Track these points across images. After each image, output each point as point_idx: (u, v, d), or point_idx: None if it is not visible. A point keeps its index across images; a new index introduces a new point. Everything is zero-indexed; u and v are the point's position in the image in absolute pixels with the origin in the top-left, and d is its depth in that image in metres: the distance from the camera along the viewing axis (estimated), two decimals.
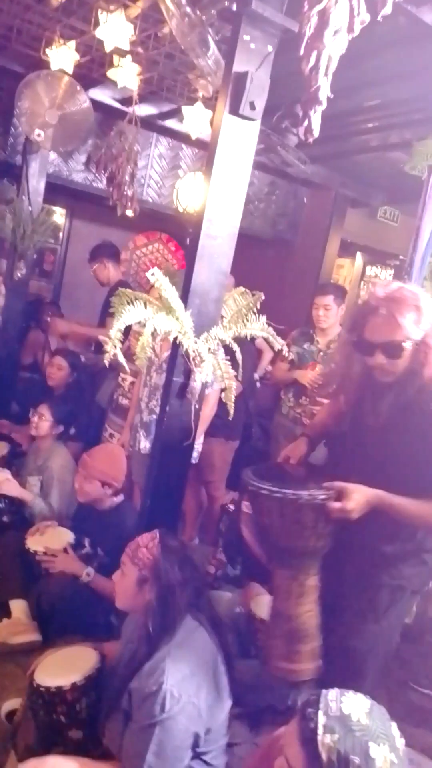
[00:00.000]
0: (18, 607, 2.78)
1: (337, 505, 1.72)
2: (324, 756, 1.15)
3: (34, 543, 2.82)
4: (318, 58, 1.57)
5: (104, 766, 1.78)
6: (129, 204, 4.05)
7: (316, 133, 1.70)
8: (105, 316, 4.38)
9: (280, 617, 1.88)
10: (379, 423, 1.88)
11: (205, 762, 1.79)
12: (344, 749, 1.14)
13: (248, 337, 2.56)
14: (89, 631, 2.53)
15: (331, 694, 1.25)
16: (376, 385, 1.89)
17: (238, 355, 2.46)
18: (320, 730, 1.17)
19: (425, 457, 1.76)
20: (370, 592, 1.89)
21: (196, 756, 1.76)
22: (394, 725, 1.22)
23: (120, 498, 2.92)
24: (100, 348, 4.39)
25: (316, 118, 1.64)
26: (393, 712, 1.30)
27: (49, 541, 2.83)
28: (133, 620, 2.05)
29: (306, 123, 1.62)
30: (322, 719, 1.19)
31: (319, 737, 1.17)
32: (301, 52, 1.54)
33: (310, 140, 1.71)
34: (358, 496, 1.73)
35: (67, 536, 2.88)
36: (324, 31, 1.50)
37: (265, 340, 2.50)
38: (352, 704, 1.22)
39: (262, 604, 2.53)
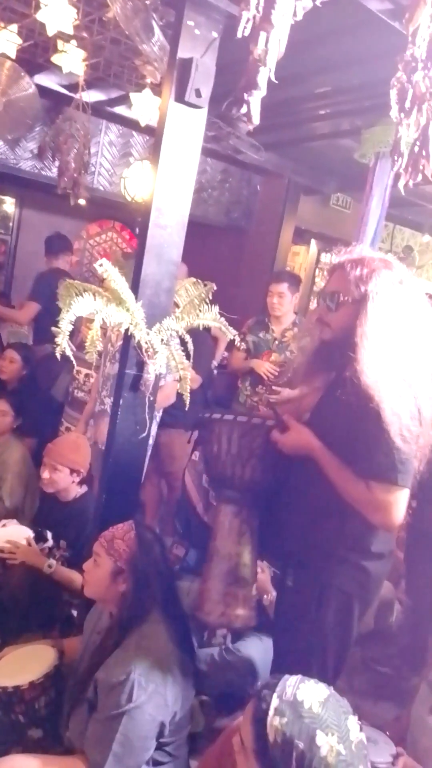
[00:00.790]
0: None
1: (276, 433, 1.80)
2: (271, 737, 1.18)
3: None
4: (267, 40, 1.54)
5: (66, 761, 1.77)
6: (76, 192, 3.98)
7: (256, 120, 1.68)
8: (39, 296, 4.36)
9: (218, 556, 1.90)
10: (321, 398, 1.90)
11: (168, 753, 1.80)
12: (290, 733, 1.17)
13: (201, 327, 2.56)
14: (50, 624, 2.51)
15: (291, 680, 1.27)
16: (320, 348, 1.90)
17: (190, 346, 2.45)
18: (271, 712, 1.20)
19: (354, 435, 1.72)
20: (306, 588, 1.87)
21: (159, 747, 1.77)
22: (351, 719, 1.24)
23: (84, 488, 2.90)
24: (40, 339, 4.35)
25: (254, 104, 1.62)
26: (352, 689, 1.32)
27: (8, 537, 2.78)
28: (96, 612, 2.04)
29: (245, 109, 1.60)
30: (275, 702, 1.22)
31: (269, 718, 1.20)
32: (244, 33, 1.51)
33: (251, 127, 1.69)
34: (296, 434, 1.80)
35: (26, 533, 2.85)
36: (271, 12, 1.48)
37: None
38: (308, 692, 1.24)
39: None
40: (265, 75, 1.53)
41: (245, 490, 1.90)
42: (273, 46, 1.47)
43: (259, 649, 2.44)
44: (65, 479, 2.81)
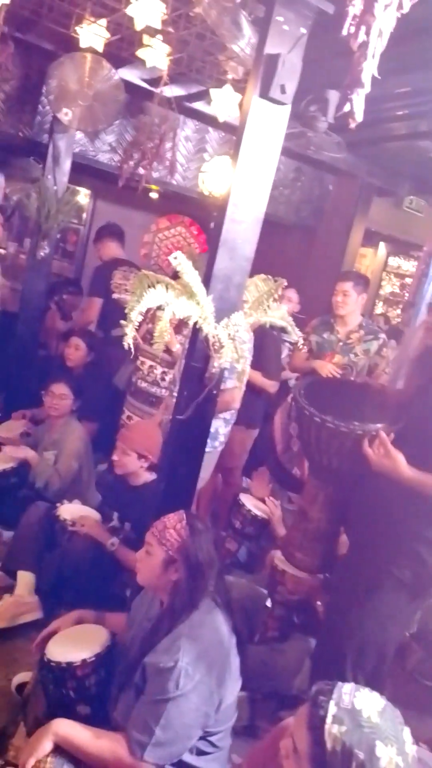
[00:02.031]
0: (24, 581, 2.80)
1: (368, 448, 1.90)
2: (329, 745, 1.16)
3: (66, 512, 2.88)
4: (368, 33, 1.51)
5: (110, 734, 1.79)
6: (139, 182, 4.03)
7: (360, 117, 1.66)
8: (98, 290, 4.48)
9: (304, 516, 2.21)
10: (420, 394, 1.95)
11: (212, 743, 1.81)
12: (350, 742, 1.15)
13: (267, 325, 2.56)
14: (104, 599, 2.54)
15: (346, 687, 1.25)
16: (423, 354, 2.01)
17: (248, 340, 2.46)
18: (329, 719, 1.18)
19: None
20: (362, 567, 1.92)
21: (204, 737, 1.78)
22: (407, 730, 1.21)
23: (153, 475, 2.97)
24: (104, 327, 4.45)
25: (358, 102, 1.60)
26: (396, 700, 1.30)
27: (80, 513, 2.90)
28: (147, 598, 2.07)
29: (348, 107, 1.58)
30: (332, 709, 1.20)
31: (327, 726, 1.18)
32: (349, 30, 1.49)
33: (353, 125, 1.66)
34: (387, 460, 1.86)
35: (95, 514, 2.95)
36: (374, 5, 1.45)
37: (284, 328, 2.49)
38: (366, 701, 1.22)
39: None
40: (369, 72, 1.51)
41: (332, 475, 2.05)
42: (374, 39, 1.44)
43: (306, 651, 2.43)
44: (133, 463, 2.89)
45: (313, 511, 2.18)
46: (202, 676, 1.70)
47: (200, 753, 1.80)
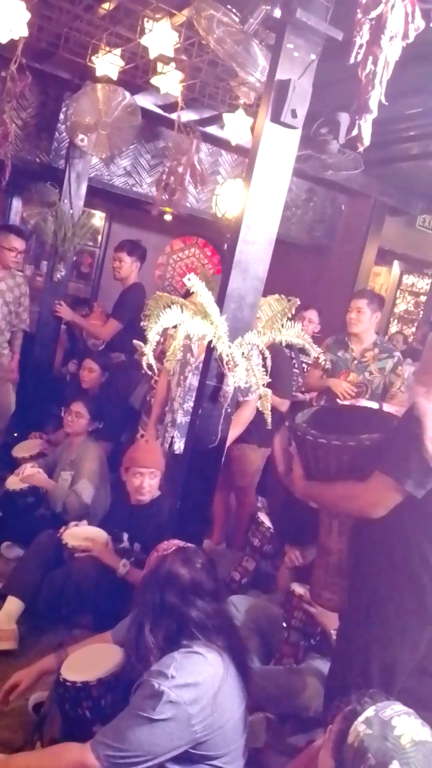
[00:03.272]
0: (8, 607, 2.72)
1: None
2: (350, 738, 1.21)
3: (71, 538, 2.83)
4: (375, 64, 1.56)
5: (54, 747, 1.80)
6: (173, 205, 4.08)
7: (367, 141, 1.70)
8: (119, 314, 4.43)
9: (323, 550, 2.07)
10: None
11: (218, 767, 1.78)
12: (367, 744, 1.17)
13: (282, 344, 2.58)
14: (106, 619, 2.49)
15: (397, 706, 1.26)
16: None
17: (268, 362, 2.47)
18: (361, 717, 1.22)
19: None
20: (365, 592, 1.90)
21: (208, 761, 1.75)
22: None
23: (158, 492, 2.94)
24: (113, 347, 4.46)
25: (366, 127, 1.64)
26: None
27: (86, 535, 2.85)
28: None
29: (356, 131, 1.63)
30: (369, 711, 1.23)
31: (356, 722, 1.22)
32: (356, 58, 1.54)
33: (361, 149, 1.70)
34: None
35: (103, 535, 2.91)
36: (381, 36, 1.50)
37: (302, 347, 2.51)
38: (407, 725, 1.21)
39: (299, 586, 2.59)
40: (376, 97, 1.55)
41: None
42: (380, 68, 1.49)
43: (323, 672, 2.40)
44: (157, 483, 2.88)
45: (331, 542, 2.03)
46: (185, 704, 1.66)
47: None
